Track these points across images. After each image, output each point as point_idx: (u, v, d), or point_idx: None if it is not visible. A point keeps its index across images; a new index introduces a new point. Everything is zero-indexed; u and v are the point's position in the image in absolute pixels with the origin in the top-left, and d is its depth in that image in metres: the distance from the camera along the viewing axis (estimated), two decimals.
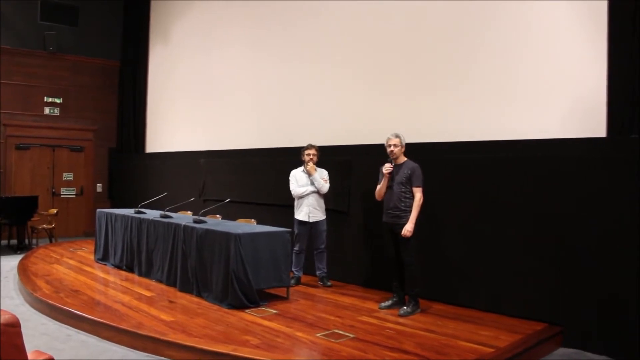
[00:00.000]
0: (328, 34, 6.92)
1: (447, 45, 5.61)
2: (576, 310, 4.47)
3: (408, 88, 5.96)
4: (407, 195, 4.91)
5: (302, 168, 6.06)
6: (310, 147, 6.01)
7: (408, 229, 4.83)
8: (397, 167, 5.01)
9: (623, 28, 4.32)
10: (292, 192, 6.03)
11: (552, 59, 4.83)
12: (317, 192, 5.95)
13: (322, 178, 5.96)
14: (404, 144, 5.01)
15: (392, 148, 4.99)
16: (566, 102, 4.75)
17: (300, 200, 6.00)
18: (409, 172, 4.91)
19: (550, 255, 4.63)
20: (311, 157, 5.96)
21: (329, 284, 6.06)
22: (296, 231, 6.01)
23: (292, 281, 5.98)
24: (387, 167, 5.01)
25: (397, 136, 5.00)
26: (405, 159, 5.03)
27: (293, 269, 6.04)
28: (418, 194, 4.89)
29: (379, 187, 5.14)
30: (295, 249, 6.01)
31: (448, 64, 5.60)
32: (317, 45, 7.07)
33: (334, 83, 6.81)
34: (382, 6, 6.22)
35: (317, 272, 6.09)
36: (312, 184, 5.94)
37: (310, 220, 5.95)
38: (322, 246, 5.99)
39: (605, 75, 4.44)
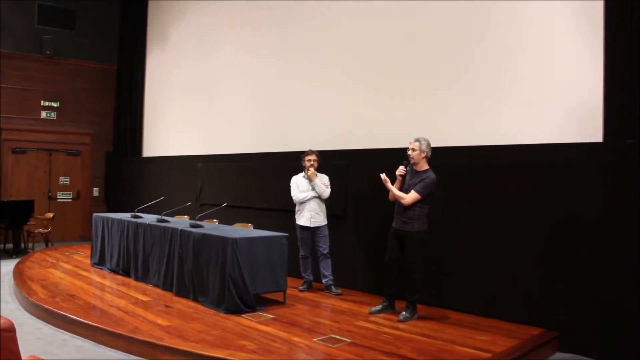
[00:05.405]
0: (326, 38, 6.93)
1: (444, 50, 5.62)
2: (573, 315, 4.47)
3: (405, 93, 5.97)
4: (417, 204, 4.85)
5: (302, 174, 6.04)
6: (310, 152, 5.99)
7: (382, 176, 4.95)
8: (415, 173, 4.93)
9: (619, 32, 4.34)
10: (293, 198, 6.02)
11: (549, 64, 4.85)
12: (318, 197, 5.93)
13: (323, 183, 5.94)
14: (424, 149, 4.86)
15: (409, 152, 4.91)
16: (563, 107, 4.77)
17: (301, 205, 5.98)
18: (420, 180, 4.84)
19: (547, 260, 4.64)
20: (312, 162, 5.94)
21: (338, 291, 5.90)
22: (299, 236, 6.01)
23: (304, 286, 6.05)
24: (399, 169, 4.96)
25: (416, 140, 4.90)
26: (427, 167, 4.91)
27: (303, 274, 6.10)
28: (413, 194, 4.80)
29: (392, 188, 5.00)
30: (300, 254, 6.04)
31: (445, 69, 5.62)
32: (314, 49, 7.08)
33: (331, 87, 6.81)
34: (380, 10, 6.23)
35: (324, 280, 5.97)
36: (313, 189, 5.93)
37: (312, 226, 5.93)
38: (326, 252, 5.92)
39: (602, 80, 4.46)
